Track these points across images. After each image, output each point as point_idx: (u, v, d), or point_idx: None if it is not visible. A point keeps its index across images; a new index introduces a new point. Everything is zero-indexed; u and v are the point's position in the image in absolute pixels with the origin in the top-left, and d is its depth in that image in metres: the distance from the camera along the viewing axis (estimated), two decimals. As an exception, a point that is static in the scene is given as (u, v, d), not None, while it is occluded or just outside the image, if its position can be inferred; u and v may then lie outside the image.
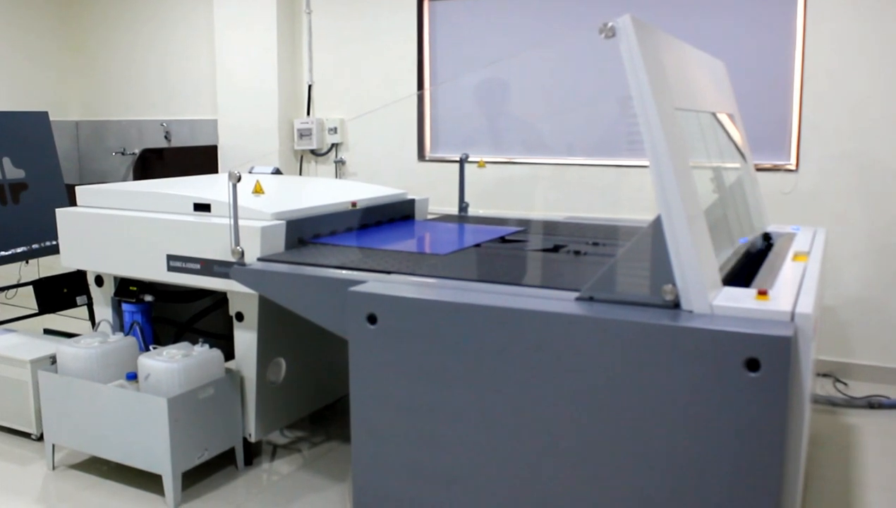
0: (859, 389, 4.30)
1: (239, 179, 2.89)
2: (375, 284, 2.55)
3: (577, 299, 2.34)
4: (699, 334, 2.08)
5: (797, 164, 4.53)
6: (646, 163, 4.73)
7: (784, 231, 3.50)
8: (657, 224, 2.23)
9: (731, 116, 3.47)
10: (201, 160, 5.93)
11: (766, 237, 3.44)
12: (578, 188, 4.99)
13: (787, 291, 2.35)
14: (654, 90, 2.23)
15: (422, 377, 2.41)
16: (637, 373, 2.14)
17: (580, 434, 2.23)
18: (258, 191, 3.38)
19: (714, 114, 3.15)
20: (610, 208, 4.80)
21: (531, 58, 5.06)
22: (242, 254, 2.94)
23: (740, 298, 2.25)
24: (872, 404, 4.10)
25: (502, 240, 3.40)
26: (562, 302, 2.32)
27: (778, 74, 4.57)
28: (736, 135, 3.48)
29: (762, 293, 2.27)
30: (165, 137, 6.50)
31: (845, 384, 4.41)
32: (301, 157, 6.01)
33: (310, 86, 5.96)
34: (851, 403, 4.13)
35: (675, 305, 2.23)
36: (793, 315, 2.12)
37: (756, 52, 4.58)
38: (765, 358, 2.01)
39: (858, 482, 3.31)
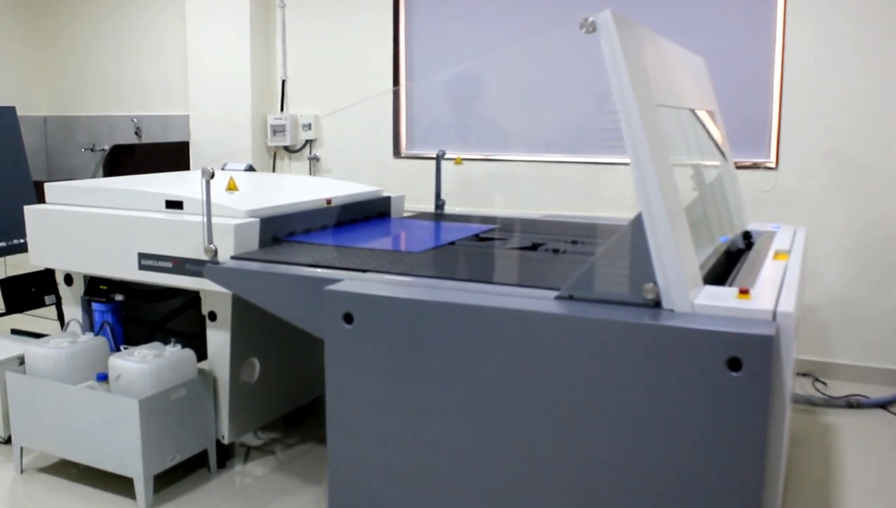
0: (838, 389, 4.30)
1: (212, 176, 2.83)
2: (351, 283, 2.50)
3: (557, 298, 2.30)
4: (680, 333, 2.05)
5: (777, 162, 4.52)
6: (623, 160, 4.80)
7: (764, 229, 3.49)
8: (638, 222, 2.20)
9: (711, 113, 3.45)
10: (173, 157, 5.84)
11: (747, 235, 3.42)
12: (556, 185, 4.96)
13: (769, 290, 2.33)
14: (635, 86, 2.20)
15: (399, 377, 2.37)
16: (617, 373, 2.11)
17: (560, 435, 2.19)
18: (232, 188, 3.32)
19: (694, 111, 3.12)
20: (588, 206, 4.77)
21: (509, 53, 5.02)
22: (216, 252, 2.88)
23: (722, 297, 2.22)
24: (851, 403, 4.10)
25: (480, 238, 3.36)
26: (541, 300, 2.29)
27: (758, 71, 4.56)
28: (716, 133, 3.46)
29: (743, 292, 2.24)
30: (136, 133, 6.39)
31: (824, 383, 4.41)
32: (274, 154, 5.93)
33: (283, 82, 5.89)
34: (830, 403, 4.13)
35: (656, 304, 2.20)
36: (774, 314, 2.10)
37: (735, 48, 4.57)
38: (747, 358, 1.99)
39: (837, 482, 3.30)
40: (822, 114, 4.41)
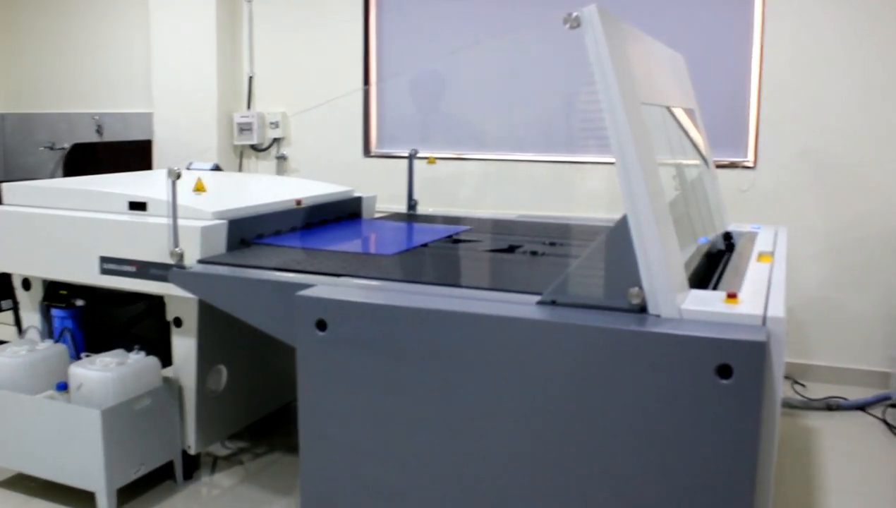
0: (817, 391, 4.26)
1: (179, 176, 2.72)
2: (324, 288, 2.40)
3: (539, 303, 2.22)
4: (668, 340, 1.97)
5: (755, 161, 4.49)
6: (598, 159, 4.75)
7: (745, 230, 3.43)
8: (623, 224, 2.12)
9: (691, 112, 3.39)
10: (135, 155, 5.67)
11: (727, 236, 3.36)
12: (528, 185, 4.90)
13: (756, 294, 2.26)
14: (621, 83, 2.12)
15: (375, 386, 2.27)
16: (603, 381, 2.03)
17: (542, 445, 2.11)
18: (200, 188, 3.20)
19: (675, 110, 3.05)
20: (560, 206, 4.70)
21: (481, 51, 4.94)
22: (182, 256, 2.76)
23: (709, 302, 2.15)
24: (831, 406, 4.07)
25: (456, 239, 3.27)
26: (522, 306, 2.20)
27: (735, 68, 4.51)
28: (696, 132, 3.40)
29: (731, 296, 2.17)
30: (97, 131, 6.20)
31: (803, 385, 4.37)
32: (241, 153, 5.79)
33: (250, 79, 5.74)
34: (809, 405, 4.09)
35: (642, 309, 2.12)
36: (764, 319, 2.03)
37: (713, 46, 4.53)
38: (737, 365, 1.92)
39: (819, 486, 3.25)
40: (800, 112, 4.37)
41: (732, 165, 4.51)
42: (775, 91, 4.41)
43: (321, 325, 2.30)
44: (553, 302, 2.21)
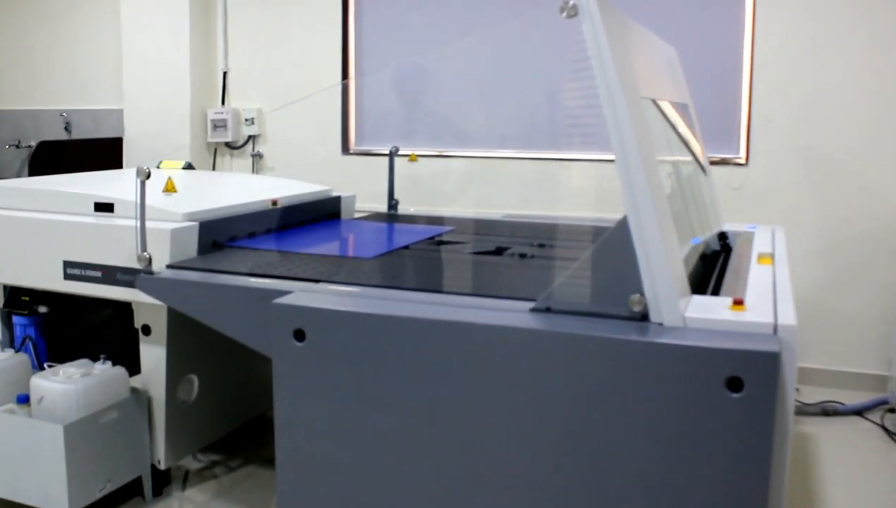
0: (812, 395, 4.14)
1: (148, 176, 2.55)
2: (302, 295, 2.24)
3: (532, 310, 2.07)
4: (673, 350, 1.83)
5: (747, 158, 4.39)
6: (584, 156, 4.62)
7: (740, 230, 3.30)
8: (623, 225, 1.98)
9: (685, 107, 3.25)
10: (105, 154, 5.47)
11: (722, 237, 3.24)
12: (513, 183, 4.77)
13: (763, 300, 2.12)
14: (622, 76, 1.97)
15: (357, 400, 2.11)
16: (602, 395, 1.89)
17: (538, 465, 1.96)
18: (170, 189, 3.03)
19: (670, 104, 2.92)
20: (546, 204, 4.57)
21: (465, 44, 4.80)
22: (150, 260, 2.59)
23: (714, 309, 2.01)
24: (827, 411, 3.96)
25: (440, 241, 3.11)
26: (515, 314, 2.05)
27: (726, 63, 4.40)
28: (691, 127, 3.27)
29: (738, 303, 2.03)
30: (66, 129, 5.99)
31: (797, 390, 4.25)
32: (215, 151, 5.62)
33: (224, 74, 5.57)
34: (804, 410, 3.98)
35: (644, 317, 1.98)
36: (775, 327, 1.90)
37: (703, 39, 4.42)
38: (748, 377, 1.78)
39: (816, 496, 3.14)
40: (793, 108, 4.27)
41: (724, 162, 4.40)
42: (768, 86, 4.30)
43: (299, 335, 2.14)
44: (547, 309, 2.06)
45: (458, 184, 4.90)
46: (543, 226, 3.54)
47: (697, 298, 2.11)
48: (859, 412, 3.99)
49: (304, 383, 2.15)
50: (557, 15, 1.99)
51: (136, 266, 2.65)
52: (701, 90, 4.35)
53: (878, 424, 3.85)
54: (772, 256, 2.74)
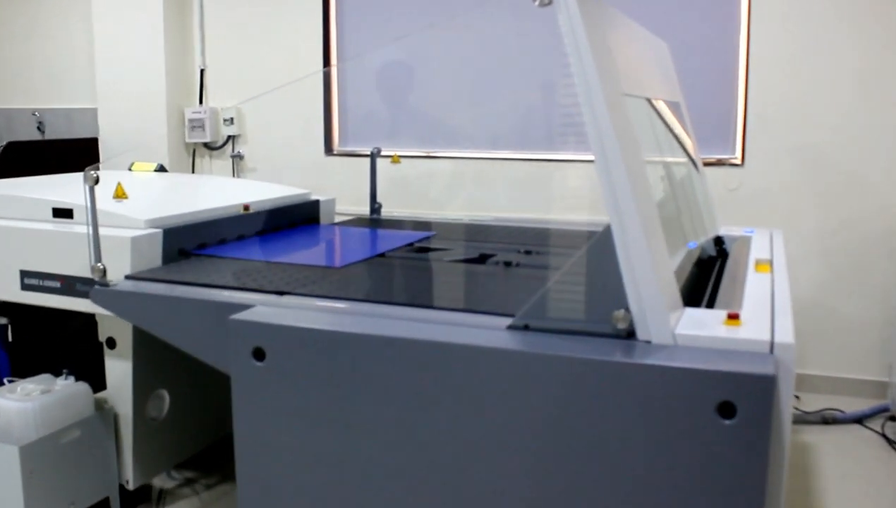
0: (811, 402, 3.99)
1: (97, 181, 2.40)
2: (263, 310, 2.09)
3: (510, 328, 1.92)
4: (660, 373, 1.68)
5: (743, 159, 4.26)
6: (579, 156, 4.47)
7: (736, 234, 3.15)
8: (606, 235, 1.82)
9: (677, 105, 3.10)
10: (79, 155, 5.28)
11: (718, 241, 3.08)
12: (504, 184, 4.63)
13: (760, 313, 1.97)
14: (601, 71, 1.82)
15: (322, 424, 1.96)
16: (583, 421, 1.74)
17: (515, 494, 1.81)
18: (120, 195, 2.87)
19: (660, 102, 2.77)
20: (539, 207, 4.44)
21: (452, 39, 4.65)
22: (104, 271, 2.44)
23: (707, 323, 1.86)
24: (826, 419, 3.82)
25: (420, 248, 2.96)
26: (490, 331, 1.90)
27: (721, 59, 4.27)
28: (683, 127, 3.12)
29: (733, 317, 1.88)
30: (38, 128, 5.81)
31: (797, 397, 4.10)
32: (194, 151, 5.47)
33: (202, 71, 5.41)
34: (804, 419, 3.83)
35: (630, 334, 1.82)
36: (772, 345, 1.74)
37: (696, 34, 4.27)
38: (741, 402, 1.63)
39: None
40: (791, 106, 4.14)
41: (719, 163, 4.27)
42: (764, 83, 4.17)
43: (258, 354, 1.99)
44: (525, 327, 1.91)
45: (445, 186, 4.77)
46: (532, 231, 3.39)
47: (690, 312, 1.96)
48: (859, 420, 3.86)
49: (265, 406, 2.01)
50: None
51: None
52: (694, 88, 4.21)
53: (878, 433, 3.73)
54: (770, 263, 2.59)
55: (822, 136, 4.11)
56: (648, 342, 1.80)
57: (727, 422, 1.64)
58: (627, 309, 1.81)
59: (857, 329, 4.15)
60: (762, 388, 1.62)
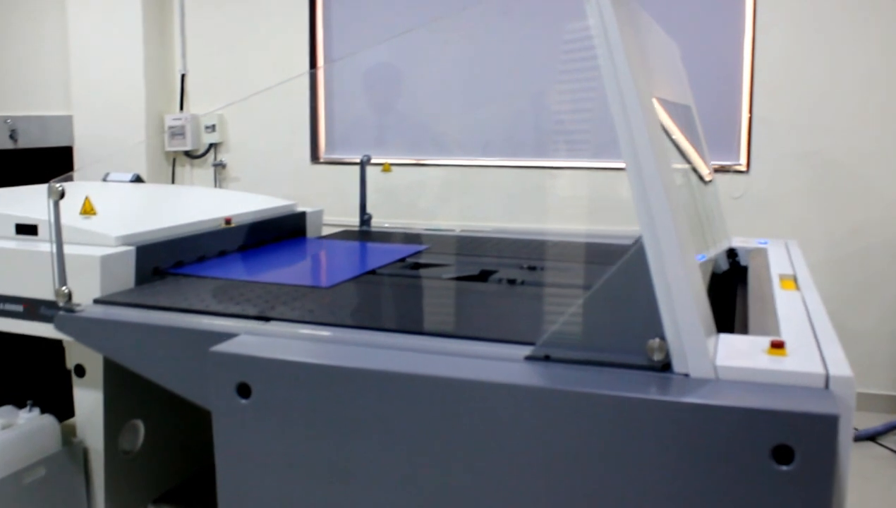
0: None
1: (62, 195, 2.17)
2: (248, 340, 1.87)
3: (528, 359, 1.70)
4: (705, 412, 1.48)
5: (748, 165, 4.17)
6: (573, 163, 4.32)
7: (750, 246, 2.96)
8: (639, 253, 1.62)
9: (688, 109, 2.92)
10: (53, 164, 5.12)
11: (730, 253, 2.90)
12: (497, 193, 4.49)
13: (803, 340, 1.79)
14: (634, 72, 1.62)
15: (314, 470, 1.74)
16: (615, 466, 1.53)
17: (539, 552, 1.59)
18: (88, 211, 2.64)
19: (675, 106, 2.58)
20: (536, 216, 4.30)
21: (443, 44, 4.48)
22: (69, 296, 2.20)
23: (748, 353, 1.66)
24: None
25: (416, 264, 2.75)
26: (506, 363, 1.69)
27: (725, 63, 4.18)
28: (695, 131, 2.93)
29: (777, 345, 1.68)
30: (11, 137, 5.57)
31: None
32: (174, 160, 5.30)
33: (183, 76, 5.25)
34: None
35: (665, 367, 1.62)
36: (827, 379, 1.55)
37: (700, 36, 4.18)
38: (800, 445, 1.43)
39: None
40: (797, 111, 4.06)
41: (723, 170, 4.19)
42: (769, 87, 4.09)
43: (243, 391, 1.77)
44: (546, 358, 1.70)
45: (435, 195, 4.62)
46: (531, 244, 3.19)
47: (726, 338, 1.76)
48: (872, 437, 3.71)
49: (251, 449, 1.78)
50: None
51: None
52: (696, 91, 4.04)
53: (892, 450, 3.59)
54: (794, 279, 2.41)
55: (830, 142, 4.03)
56: (686, 375, 1.60)
57: (783, 468, 1.45)
58: (663, 338, 1.61)
59: (868, 341, 4.05)
60: (824, 430, 1.43)
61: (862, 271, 4.04)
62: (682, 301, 1.60)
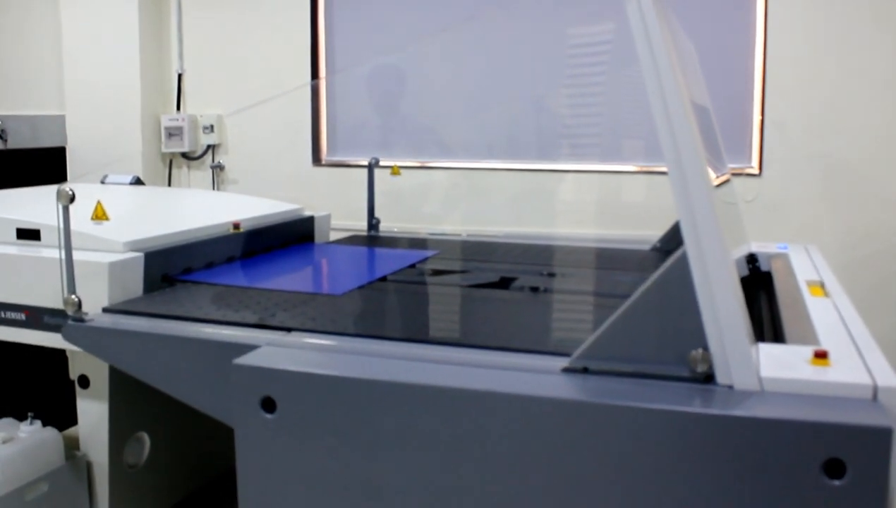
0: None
1: (72, 199, 2.10)
2: (272, 352, 1.80)
3: (566, 371, 1.65)
4: (753, 426, 1.43)
5: (760, 168, 4.14)
6: (581, 167, 4.29)
7: (771, 251, 2.92)
8: (682, 261, 1.56)
9: (707, 111, 2.87)
10: (46, 166, 5.03)
11: (751, 259, 2.85)
12: (504, 197, 4.46)
13: (845, 349, 1.73)
14: (675, 75, 1.58)
15: (342, 488, 1.68)
16: (658, 483, 1.48)
17: (579, 572, 1.53)
18: (100, 216, 2.57)
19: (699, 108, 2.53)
20: (544, 221, 4.29)
21: (449, 44, 4.45)
22: (79, 304, 2.13)
23: (792, 364, 1.60)
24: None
25: (432, 271, 2.70)
26: (543, 376, 1.63)
27: (735, 62, 4.15)
28: (715, 134, 2.89)
29: (820, 355, 1.63)
30: (0, 137, 5.51)
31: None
32: (170, 162, 5.24)
33: (180, 76, 5.18)
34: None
35: (708, 378, 1.56)
36: (875, 390, 1.50)
37: (711, 38, 4.12)
38: (852, 459, 1.38)
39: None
40: (810, 113, 4.03)
41: (735, 173, 4.12)
42: (781, 89, 4.06)
43: (268, 405, 1.70)
44: (585, 370, 1.64)
45: (442, 199, 4.59)
46: (545, 249, 3.15)
47: (766, 348, 1.71)
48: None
49: (276, 466, 1.71)
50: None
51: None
52: (709, 94, 4.06)
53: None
54: (822, 285, 2.36)
55: (844, 145, 4.01)
56: (730, 387, 1.55)
57: (835, 483, 1.40)
58: (706, 348, 1.56)
59: (880, 345, 3.98)
60: (877, 443, 1.37)
61: (875, 276, 4.02)
62: (727, 310, 1.55)
